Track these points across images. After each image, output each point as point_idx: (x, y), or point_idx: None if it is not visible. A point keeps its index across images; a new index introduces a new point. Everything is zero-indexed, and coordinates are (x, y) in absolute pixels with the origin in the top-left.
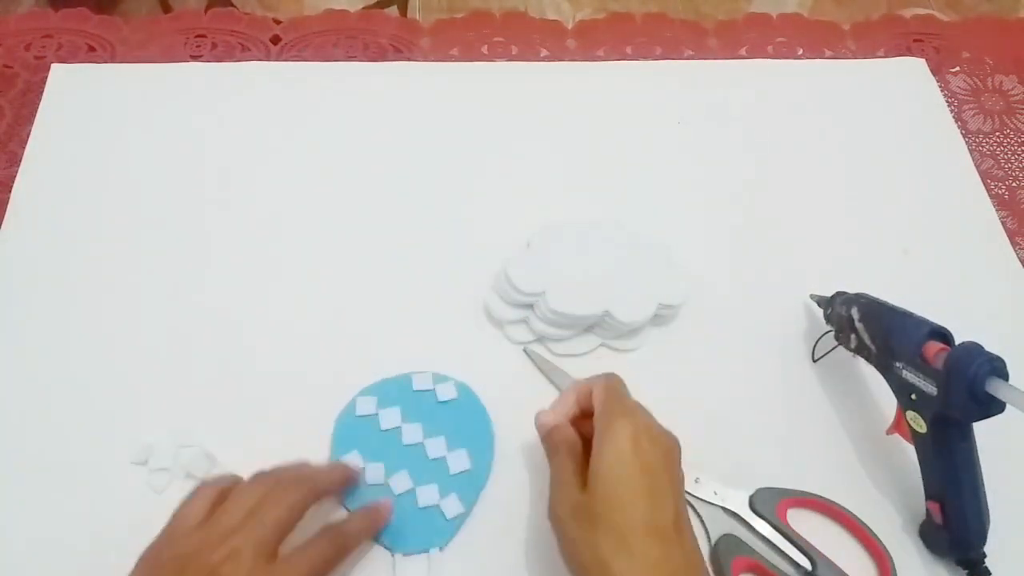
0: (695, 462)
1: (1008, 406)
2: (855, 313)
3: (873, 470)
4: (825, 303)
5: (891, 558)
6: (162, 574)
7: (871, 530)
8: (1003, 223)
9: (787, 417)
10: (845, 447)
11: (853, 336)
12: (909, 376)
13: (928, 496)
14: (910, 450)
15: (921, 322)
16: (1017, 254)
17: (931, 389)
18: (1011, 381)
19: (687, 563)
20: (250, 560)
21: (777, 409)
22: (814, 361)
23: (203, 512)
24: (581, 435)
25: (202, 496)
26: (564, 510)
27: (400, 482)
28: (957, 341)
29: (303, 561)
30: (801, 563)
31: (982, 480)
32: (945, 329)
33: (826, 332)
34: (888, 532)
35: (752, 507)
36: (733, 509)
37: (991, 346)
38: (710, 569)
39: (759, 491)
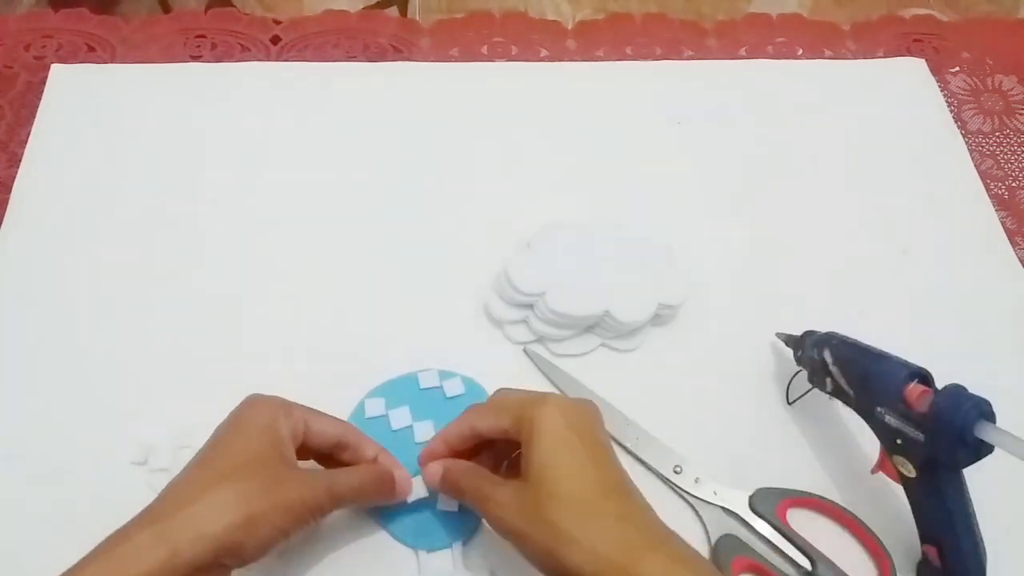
0: (695, 462)
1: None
2: (828, 356)
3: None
4: (794, 343)
5: (891, 558)
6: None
7: (871, 530)
8: (1003, 223)
9: (787, 417)
10: (846, 447)
11: (828, 380)
12: (892, 421)
13: (924, 540)
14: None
15: (899, 364)
16: (1017, 254)
17: (917, 435)
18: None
19: (648, 517)
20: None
21: (777, 409)
22: (789, 403)
23: None
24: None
25: None
26: (512, 514)
27: (417, 483)
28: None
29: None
30: (801, 563)
31: (976, 519)
32: (925, 370)
33: (797, 372)
34: (888, 532)
35: (752, 507)
36: (733, 509)
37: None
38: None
39: (759, 491)
